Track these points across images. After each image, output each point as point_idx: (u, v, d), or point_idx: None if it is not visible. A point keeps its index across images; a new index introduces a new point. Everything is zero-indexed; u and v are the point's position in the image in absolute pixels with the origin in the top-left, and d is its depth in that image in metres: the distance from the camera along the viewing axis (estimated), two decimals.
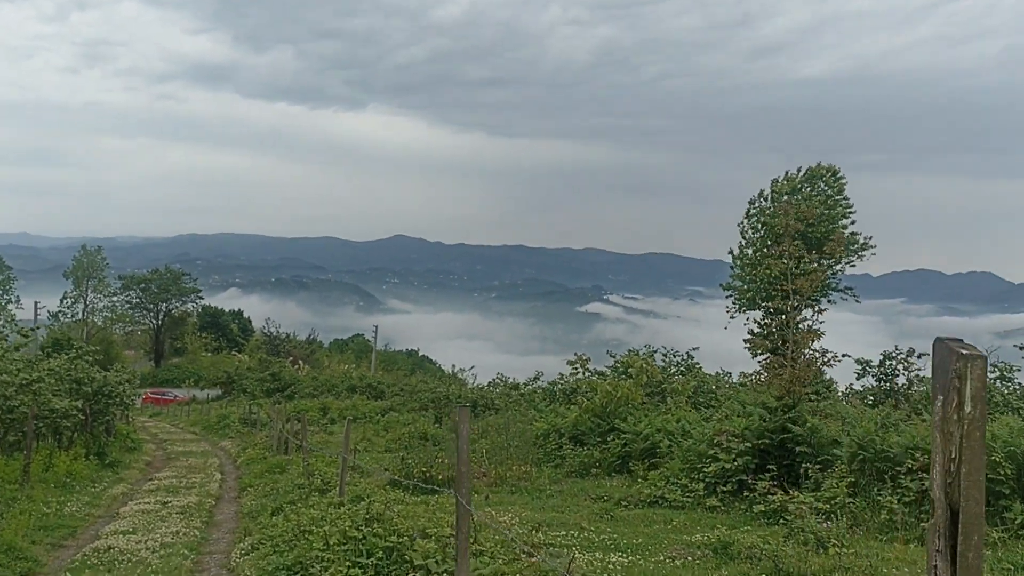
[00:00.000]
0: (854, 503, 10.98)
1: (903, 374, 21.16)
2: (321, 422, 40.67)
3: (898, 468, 11.17)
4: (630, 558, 9.00)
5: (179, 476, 22.87)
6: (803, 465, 12.53)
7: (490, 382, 42.13)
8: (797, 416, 13.38)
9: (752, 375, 38.67)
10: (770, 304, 46.62)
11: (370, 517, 8.78)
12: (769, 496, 11.97)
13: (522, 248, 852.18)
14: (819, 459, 12.51)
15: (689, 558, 8.83)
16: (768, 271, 45.52)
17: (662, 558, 8.92)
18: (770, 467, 12.83)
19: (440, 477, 15.76)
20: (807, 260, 45.91)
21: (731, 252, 49.90)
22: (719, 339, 38.99)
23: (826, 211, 45.86)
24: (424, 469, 15.92)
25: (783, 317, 47.59)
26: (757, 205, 48.28)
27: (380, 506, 8.92)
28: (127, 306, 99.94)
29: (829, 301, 48.97)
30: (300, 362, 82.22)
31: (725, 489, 13.02)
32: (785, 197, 46.71)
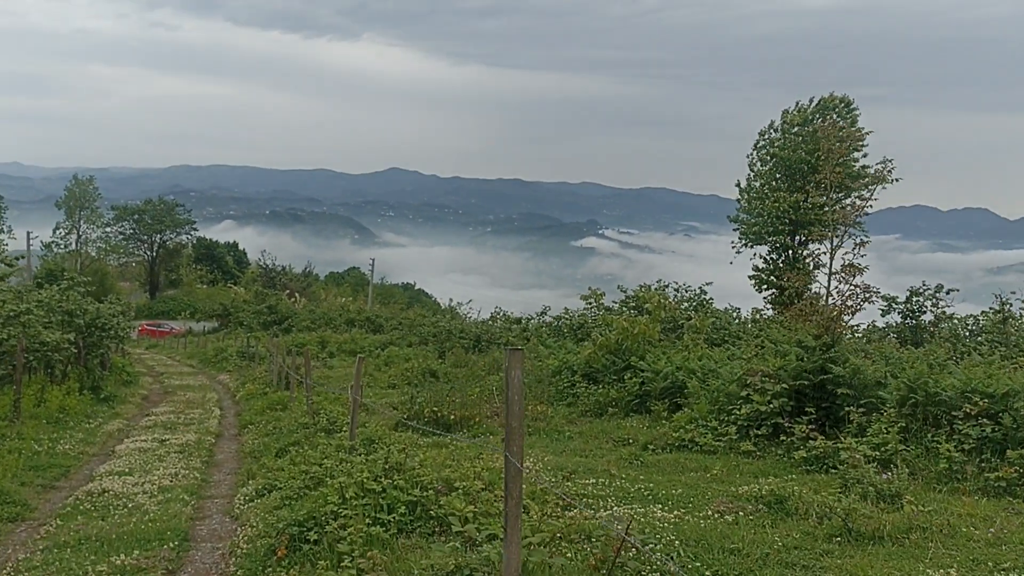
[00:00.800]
0: (907, 451, 10.18)
1: (931, 311, 20.32)
2: (320, 356, 39.94)
3: (954, 413, 10.35)
4: (674, 512, 8.19)
5: (177, 412, 22.13)
6: (845, 408, 11.72)
7: (491, 316, 41.30)
8: (838, 356, 12.52)
9: (771, 311, 37.87)
10: (778, 239, 45.81)
11: (389, 467, 7.92)
12: (810, 441, 11.17)
13: (518, 182, 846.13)
14: (862, 402, 11.69)
15: (740, 512, 8.02)
16: (777, 204, 44.55)
17: (710, 513, 8.11)
18: (808, 410, 12.01)
19: (452, 418, 14.96)
20: (821, 194, 45.00)
21: (738, 184, 48.74)
22: (713, 274, 38.00)
23: (837, 143, 44.72)
24: (435, 409, 15.11)
25: (790, 252, 46.96)
26: (767, 136, 47.01)
27: (400, 455, 8.06)
28: (120, 237, 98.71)
29: (849, 236, 48.16)
30: (297, 295, 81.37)
31: (759, 433, 12.22)
32: (796, 128, 45.48)
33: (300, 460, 11.26)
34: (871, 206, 45.37)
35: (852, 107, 45.00)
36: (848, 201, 45.39)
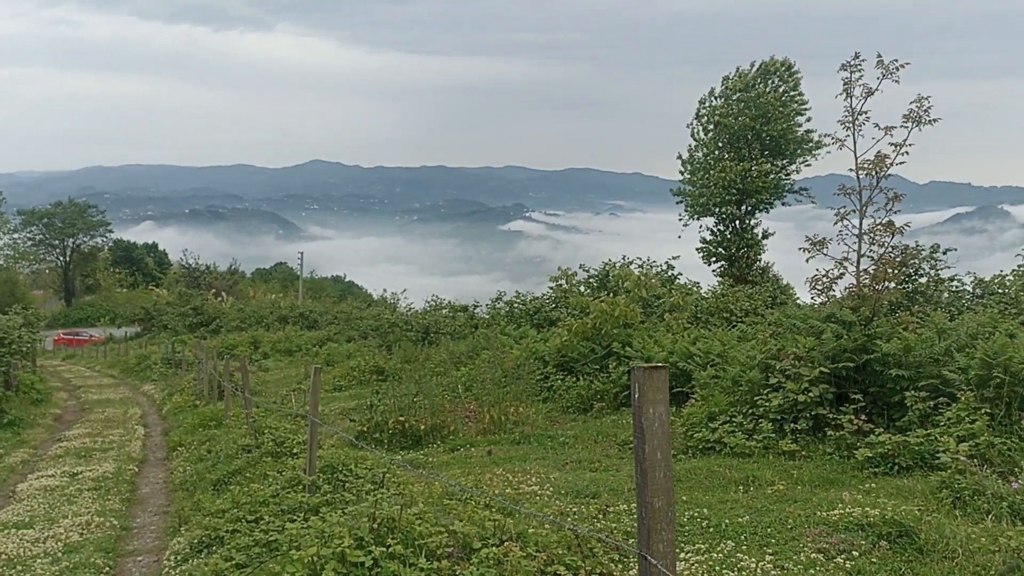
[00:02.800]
0: (1005, 444, 8.30)
1: (928, 273, 18.73)
2: (253, 357, 37.09)
3: None
4: (764, 556, 6.13)
5: (94, 434, 19.32)
6: (901, 393, 9.82)
7: (433, 306, 38.94)
8: (882, 330, 10.64)
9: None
10: (725, 209, 44.38)
11: (379, 525, 5.67)
12: (869, 436, 9.25)
13: (442, 168, 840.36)
14: (920, 385, 9.82)
15: (855, 552, 5.99)
16: (723, 174, 43.08)
17: (811, 554, 6.06)
18: (854, 397, 10.09)
19: (422, 428, 12.70)
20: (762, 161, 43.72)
21: (679, 156, 47.20)
22: (642, 250, 36.14)
23: (780, 108, 43.39)
24: (400, 418, 12.82)
25: (737, 223, 45.61)
26: (708, 104, 45.46)
27: (391, 508, 5.80)
28: (30, 243, 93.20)
29: (783, 204, 47.01)
30: (223, 294, 77.57)
31: (798, 428, 10.27)
32: (738, 95, 44.05)
33: (246, 500, 8.92)
34: (790, 175, 44.66)
35: (794, 70, 43.75)
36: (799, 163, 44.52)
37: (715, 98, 44.90)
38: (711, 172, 43.36)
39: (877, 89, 11.88)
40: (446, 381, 18.42)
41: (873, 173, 11.64)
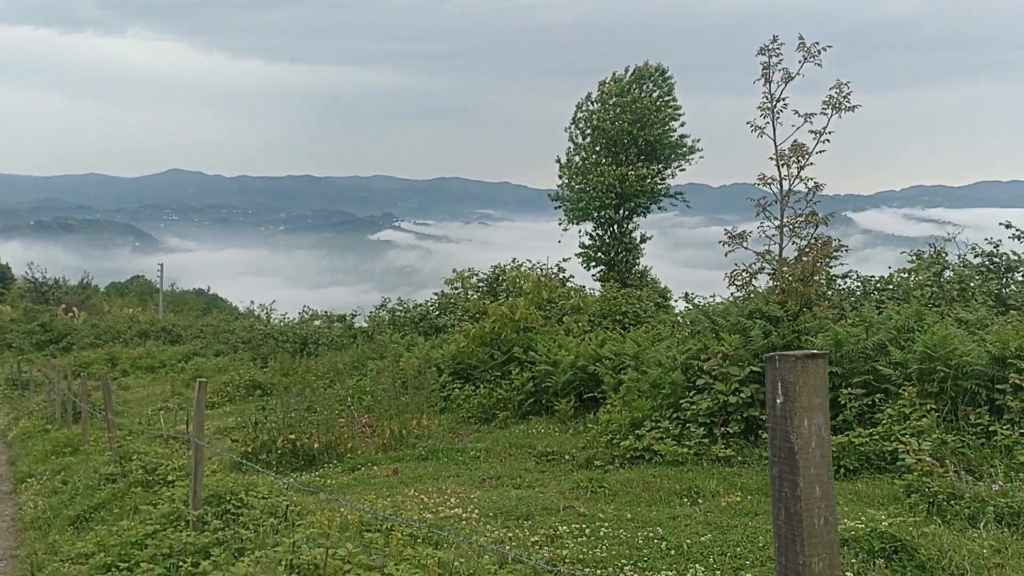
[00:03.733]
0: (957, 441, 7.84)
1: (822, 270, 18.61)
2: (112, 375, 34.34)
3: (998, 387, 8.15)
4: None
5: None
6: (836, 390, 9.31)
7: (309, 316, 37.15)
8: (812, 325, 10.15)
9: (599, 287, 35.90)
10: (605, 213, 44.41)
11: (299, 574, 4.55)
12: None
13: (308, 178, 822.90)
14: (854, 381, 9.34)
15: (848, 574, 5.26)
16: (602, 178, 43.06)
17: None
18: None
19: (316, 446, 11.44)
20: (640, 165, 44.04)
21: (557, 160, 46.99)
22: (508, 259, 35.65)
23: (656, 113, 43.79)
24: (290, 436, 11.52)
25: (615, 227, 45.73)
26: (584, 109, 45.43)
27: (315, 550, 4.69)
28: None
29: (659, 208, 47.50)
30: (75, 309, 72.52)
31: (729, 431, 9.64)
32: (614, 99, 44.19)
33: (115, 541, 7.55)
34: (665, 179, 45.35)
35: (667, 76, 44.24)
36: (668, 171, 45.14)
37: (592, 103, 44.92)
38: (590, 176, 43.28)
39: (798, 73, 11.47)
40: (333, 394, 17.12)
41: (792, 162, 11.19)
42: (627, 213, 44.90)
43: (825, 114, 11.29)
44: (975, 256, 16.57)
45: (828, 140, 11.26)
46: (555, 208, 47.05)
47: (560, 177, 46.23)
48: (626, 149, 43.55)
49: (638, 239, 44.85)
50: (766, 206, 11.52)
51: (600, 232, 45.27)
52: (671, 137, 43.83)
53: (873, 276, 16.93)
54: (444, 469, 10.37)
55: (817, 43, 11.17)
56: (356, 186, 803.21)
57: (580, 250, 45.31)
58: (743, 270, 11.44)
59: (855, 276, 17.04)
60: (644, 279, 44.00)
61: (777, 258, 11.32)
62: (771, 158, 11.47)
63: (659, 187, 44.82)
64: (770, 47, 11.53)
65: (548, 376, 14.04)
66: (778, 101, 11.49)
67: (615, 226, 44.85)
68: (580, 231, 45.42)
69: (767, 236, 11.49)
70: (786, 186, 11.43)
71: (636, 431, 10.11)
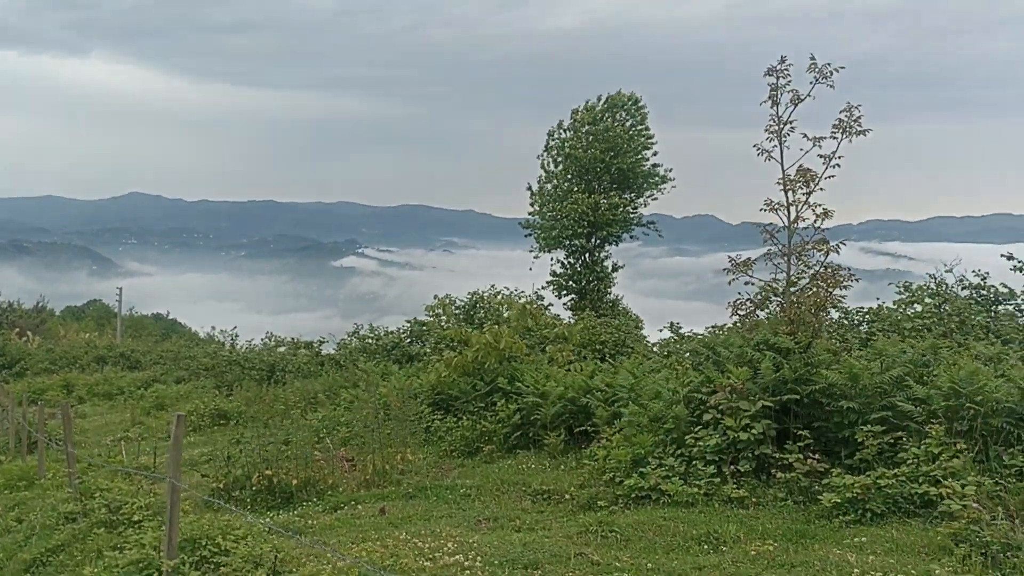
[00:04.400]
0: (996, 485, 7.35)
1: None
2: (68, 402, 33.03)
3: None
4: None
5: None
6: (852, 427, 8.80)
7: (275, 342, 36.15)
8: (823, 358, 9.67)
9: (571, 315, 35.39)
10: (577, 242, 44.09)
11: None
12: (830, 478, 8.17)
13: (271, 203, 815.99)
14: (872, 417, 8.85)
15: None
16: (575, 206, 42.74)
17: None
18: (800, 433, 9.02)
19: (295, 482, 10.69)
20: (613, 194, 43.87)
21: (529, 187, 46.61)
22: (472, 287, 35.19)
23: (629, 142, 43.67)
24: (267, 472, 10.76)
25: (586, 256, 45.41)
26: (556, 136, 45.20)
27: None
28: None
29: (631, 237, 47.26)
30: (29, 333, 70.46)
31: (739, 470, 9.08)
32: (587, 127, 44.00)
33: None
34: (637, 208, 45.19)
35: (640, 105, 44.19)
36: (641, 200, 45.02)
37: (563, 131, 44.72)
38: (563, 204, 42.97)
39: (809, 95, 11.08)
40: (306, 425, 16.36)
41: (799, 187, 10.75)
42: (598, 242, 44.66)
43: (835, 138, 10.91)
44: (962, 288, 16.33)
45: (839, 165, 10.86)
46: (525, 236, 46.68)
47: (532, 204, 45.89)
48: (598, 177, 43.35)
49: (610, 268, 44.60)
50: (773, 233, 11.07)
51: (572, 260, 44.93)
52: (643, 166, 43.74)
53: (862, 307, 16.59)
54: (434, 508, 9.69)
55: (829, 64, 10.82)
56: (320, 211, 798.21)
57: (551, 278, 44.89)
58: (747, 299, 10.96)
59: (842, 309, 16.68)
60: (615, 308, 43.67)
61: (784, 287, 10.86)
62: (778, 183, 11.04)
63: (631, 216, 44.69)
64: (778, 67, 11.15)
65: (536, 408, 13.42)
66: (786, 124, 11.09)
67: (586, 255, 44.55)
68: (552, 259, 45.11)
69: (773, 264, 11.03)
70: (793, 212, 10.98)
71: (640, 469, 9.53)
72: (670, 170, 45.44)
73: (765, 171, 11.39)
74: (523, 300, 16.35)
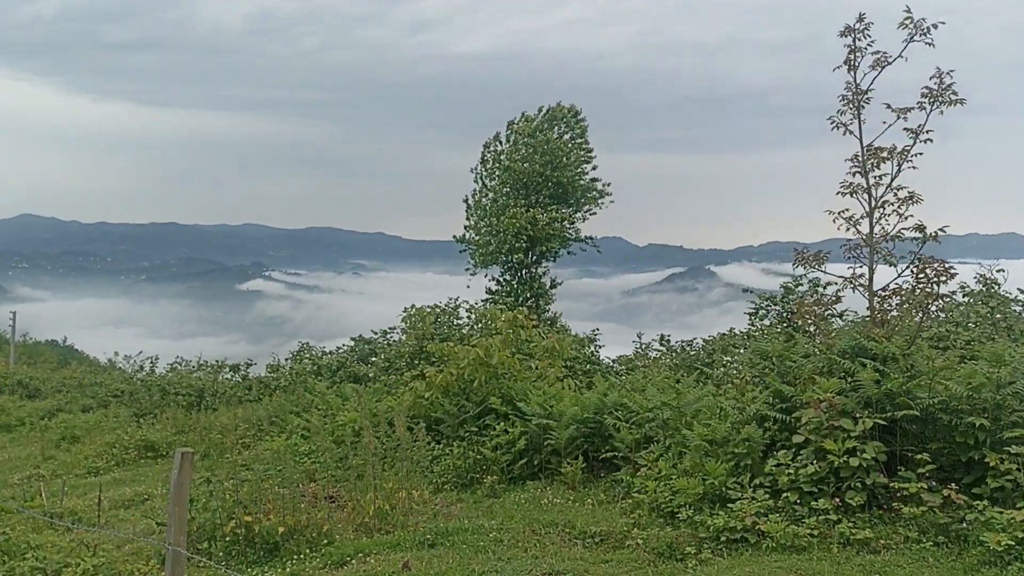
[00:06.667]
0: None
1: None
2: None
3: None
4: None
5: None
6: (980, 449, 7.30)
7: (197, 366, 33.35)
8: (934, 367, 8.16)
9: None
10: (515, 257, 42.47)
11: None
12: (974, 513, 6.64)
13: (173, 225, 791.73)
14: (1004, 436, 7.38)
15: None
16: (514, 221, 41.14)
17: None
18: (918, 458, 7.48)
19: (281, 530, 8.60)
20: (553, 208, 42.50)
21: (465, 200, 44.93)
22: (382, 309, 33.73)
23: (567, 155, 42.40)
24: (247, 517, 8.64)
25: (524, 272, 43.82)
26: (492, 149, 43.64)
27: None
28: None
29: (569, 252, 45.90)
30: None
31: (848, 503, 7.47)
32: (525, 139, 42.58)
33: None
34: (575, 222, 44.12)
35: (580, 118, 43.01)
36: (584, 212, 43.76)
37: (499, 143, 43.20)
38: (500, 218, 41.34)
39: (900, 55, 9.64)
40: (258, 457, 14.19)
41: (887, 161, 9.30)
42: (536, 257, 43.18)
43: (923, 108, 9.53)
44: (964, 296, 15.30)
45: (930, 140, 9.47)
46: (460, 252, 44.86)
47: (468, 219, 44.14)
48: (537, 191, 41.89)
49: (548, 284, 43.15)
50: (855, 223, 9.58)
51: (508, 277, 43.29)
52: (582, 180, 42.51)
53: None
54: (471, 560, 7.77)
55: (924, 19, 9.43)
56: (225, 234, 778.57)
57: (487, 295, 43.12)
58: (818, 299, 9.43)
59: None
60: (554, 325, 42.20)
61: (868, 283, 9.37)
62: (848, 161, 9.57)
63: (568, 231, 43.38)
64: (856, 26, 9.73)
65: (546, 432, 11.59)
66: (865, 92, 9.67)
67: (523, 270, 42.98)
68: (487, 276, 43.36)
69: (852, 256, 9.53)
70: (877, 193, 9.51)
71: (727, 504, 7.81)
72: (608, 184, 44.39)
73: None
74: (512, 313, 14.62)
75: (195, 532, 8.88)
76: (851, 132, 9.81)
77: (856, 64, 9.80)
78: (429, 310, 22.89)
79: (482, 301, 43.44)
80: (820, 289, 10.01)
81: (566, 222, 42.93)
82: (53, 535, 9.34)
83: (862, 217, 9.74)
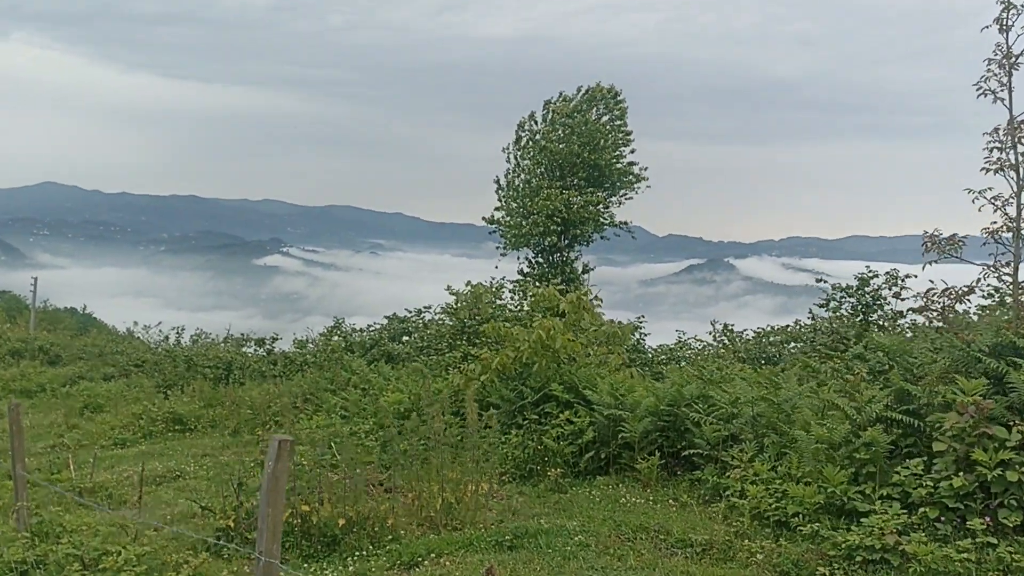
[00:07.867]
0: None
1: (891, 302, 15.95)
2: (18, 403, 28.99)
3: None
4: None
5: None
6: None
7: (216, 340, 32.62)
8: None
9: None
10: (548, 239, 41.45)
11: None
12: None
13: (194, 198, 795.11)
14: None
15: None
16: (548, 202, 40.10)
17: None
18: None
19: (342, 522, 7.71)
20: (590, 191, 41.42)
21: (496, 180, 43.92)
22: (398, 290, 32.79)
23: (607, 136, 41.27)
24: (304, 507, 7.76)
25: (556, 255, 42.83)
26: (528, 128, 42.58)
27: None
28: None
29: (603, 237, 44.79)
30: None
31: (1003, 522, 6.52)
32: (563, 120, 41.47)
33: None
34: (610, 206, 42.94)
35: (620, 99, 41.79)
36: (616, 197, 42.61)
37: (535, 122, 42.10)
38: (534, 199, 40.27)
39: None
40: (301, 435, 13.31)
41: None
42: (568, 241, 42.11)
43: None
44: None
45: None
46: (490, 234, 43.86)
47: (499, 199, 43.12)
48: (573, 173, 40.78)
49: (580, 269, 42.12)
50: (1002, 204, 8.55)
51: (541, 260, 42.28)
52: (620, 163, 41.39)
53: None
54: (562, 568, 6.85)
55: None
56: (244, 209, 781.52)
57: (519, 278, 42.13)
58: (947, 289, 8.44)
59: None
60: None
61: (1012, 274, 8.38)
62: (987, 135, 8.56)
63: (603, 215, 42.27)
64: None
65: (618, 423, 10.65)
66: (1019, 56, 8.64)
67: (556, 254, 41.95)
68: (518, 257, 42.36)
69: (996, 242, 8.53)
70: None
71: (851, 517, 6.86)
72: (645, 169, 43.07)
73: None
74: (578, 293, 13.71)
75: (243, 519, 8.02)
76: (1000, 100, 8.79)
77: (1009, 24, 8.76)
78: (484, 288, 21.97)
79: (513, 283, 42.57)
80: (932, 281, 8.94)
81: (600, 206, 41.87)
82: (87, 515, 8.50)
83: (1011, 197, 8.72)
